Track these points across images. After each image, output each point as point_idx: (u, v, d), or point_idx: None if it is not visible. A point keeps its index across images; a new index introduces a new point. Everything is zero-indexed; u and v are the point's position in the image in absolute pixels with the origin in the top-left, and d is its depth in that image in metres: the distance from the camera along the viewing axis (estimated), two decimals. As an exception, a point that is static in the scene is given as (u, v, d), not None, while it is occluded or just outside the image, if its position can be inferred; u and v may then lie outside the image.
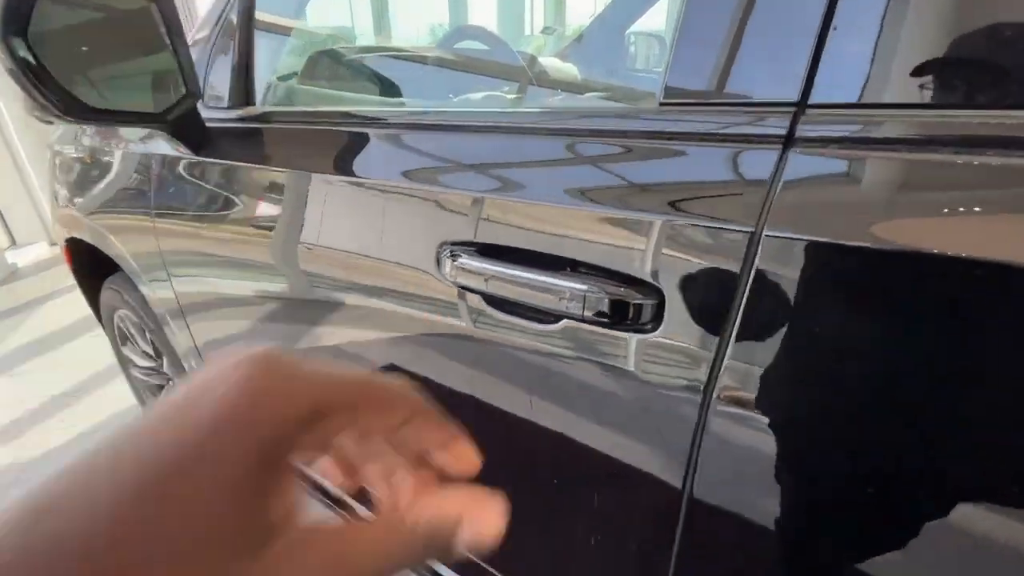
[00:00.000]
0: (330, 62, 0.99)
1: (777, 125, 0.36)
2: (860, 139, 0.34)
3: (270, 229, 0.77)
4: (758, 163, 0.37)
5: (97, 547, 0.13)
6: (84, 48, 0.68)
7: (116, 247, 1.17)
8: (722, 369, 0.38)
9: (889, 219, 0.32)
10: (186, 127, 0.77)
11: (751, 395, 0.38)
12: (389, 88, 0.97)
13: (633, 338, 0.43)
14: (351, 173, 0.64)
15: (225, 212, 0.83)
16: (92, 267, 1.40)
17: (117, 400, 1.89)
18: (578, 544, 0.56)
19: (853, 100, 0.34)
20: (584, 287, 0.43)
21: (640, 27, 1.38)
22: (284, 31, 0.96)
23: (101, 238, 1.22)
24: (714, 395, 0.39)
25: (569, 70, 1.15)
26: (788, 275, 0.35)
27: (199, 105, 0.79)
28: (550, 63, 1.14)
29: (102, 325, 1.63)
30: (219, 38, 0.84)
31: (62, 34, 0.65)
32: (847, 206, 0.34)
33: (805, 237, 0.34)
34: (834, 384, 0.35)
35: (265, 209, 0.78)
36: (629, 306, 0.41)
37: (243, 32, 0.81)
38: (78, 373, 2.11)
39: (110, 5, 0.72)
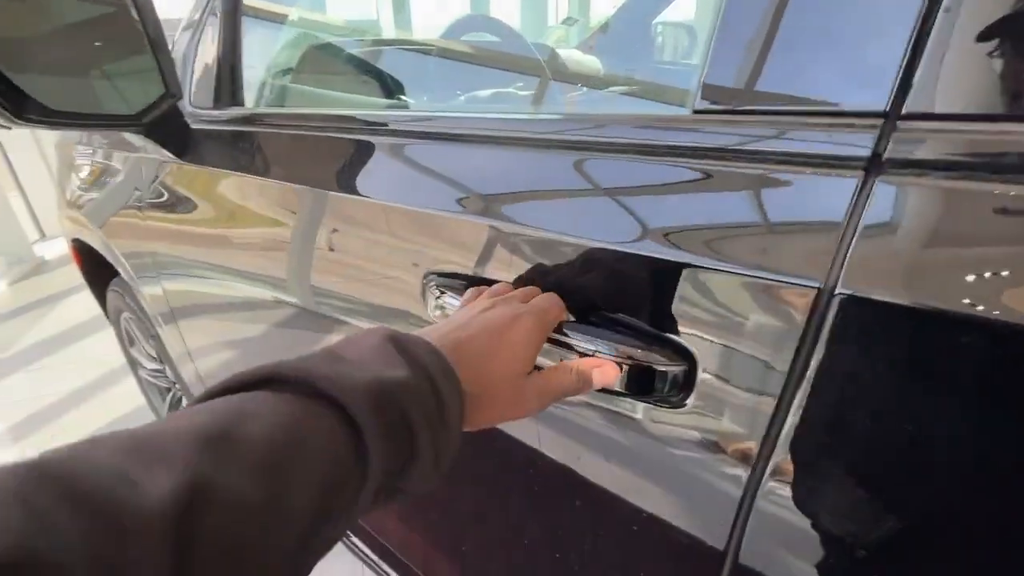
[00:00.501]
0: (326, 56, 0.91)
1: (858, 143, 0.27)
2: (971, 163, 0.24)
3: (255, 236, 0.70)
4: (830, 193, 0.27)
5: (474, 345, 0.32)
6: (49, 47, 0.62)
7: (114, 252, 1.13)
8: (766, 470, 0.29)
9: (1017, 284, 0.22)
10: (167, 129, 0.70)
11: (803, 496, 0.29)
12: (388, 86, 0.88)
13: (652, 410, 0.34)
14: (338, 187, 0.56)
15: (211, 217, 0.77)
16: (98, 269, 1.37)
17: (130, 398, 1.88)
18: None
19: (964, 111, 0.24)
20: (592, 347, 0.34)
21: (671, 16, 1.27)
22: (279, 19, 0.89)
23: (101, 242, 1.19)
24: (758, 494, 0.30)
25: (591, 64, 1.05)
26: (866, 347, 0.26)
27: (182, 105, 0.72)
28: (570, 57, 1.05)
29: (113, 326, 1.61)
30: (205, 29, 0.77)
31: (21, 31, 0.59)
32: (956, 260, 0.24)
33: (892, 300, 0.24)
34: (921, 489, 0.26)
35: (251, 215, 0.71)
36: (651, 372, 0.32)
37: (228, 21, 0.73)
38: (93, 370, 2.11)
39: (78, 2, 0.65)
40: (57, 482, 0.17)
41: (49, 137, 3.50)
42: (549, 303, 0.36)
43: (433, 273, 0.45)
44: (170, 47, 0.67)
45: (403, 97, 0.89)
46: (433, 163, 0.49)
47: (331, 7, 1.56)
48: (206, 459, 0.19)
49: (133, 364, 1.63)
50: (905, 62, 0.25)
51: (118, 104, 0.66)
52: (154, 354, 1.44)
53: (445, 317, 0.44)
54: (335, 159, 0.59)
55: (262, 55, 0.85)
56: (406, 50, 1.06)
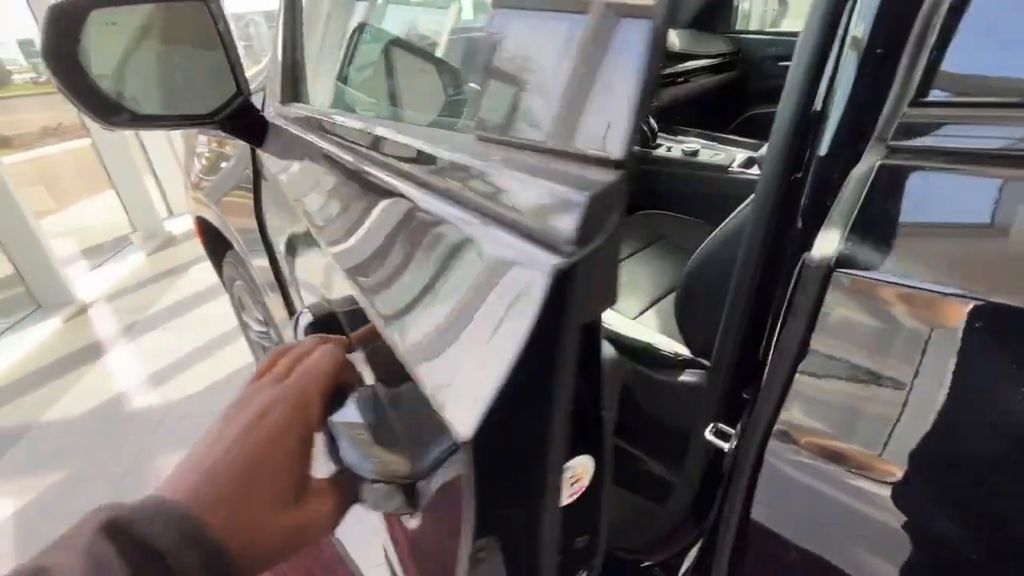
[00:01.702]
0: (391, 55, 0.98)
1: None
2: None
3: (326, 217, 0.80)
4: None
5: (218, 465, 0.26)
6: (134, 59, 0.72)
7: (228, 227, 1.32)
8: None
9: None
10: (242, 124, 0.80)
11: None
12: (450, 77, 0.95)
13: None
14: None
15: (295, 197, 0.88)
16: (216, 243, 1.60)
17: (244, 355, 2.18)
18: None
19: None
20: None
21: None
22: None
23: (217, 218, 1.38)
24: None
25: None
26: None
27: (261, 101, 0.82)
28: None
29: (228, 293, 1.87)
30: (279, 28, 0.86)
31: (113, 45, 0.69)
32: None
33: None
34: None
35: (316, 198, 0.80)
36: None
37: (288, 19, 0.82)
38: (215, 329, 2.44)
39: (160, 12, 0.74)
40: None
41: (175, 126, 3.98)
42: (315, 367, 0.31)
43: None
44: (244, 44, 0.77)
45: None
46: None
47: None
48: None
49: (244, 327, 1.88)
50: None
51: (195, 104, 0.76)
52: (261, 318, 1.65)
53: None
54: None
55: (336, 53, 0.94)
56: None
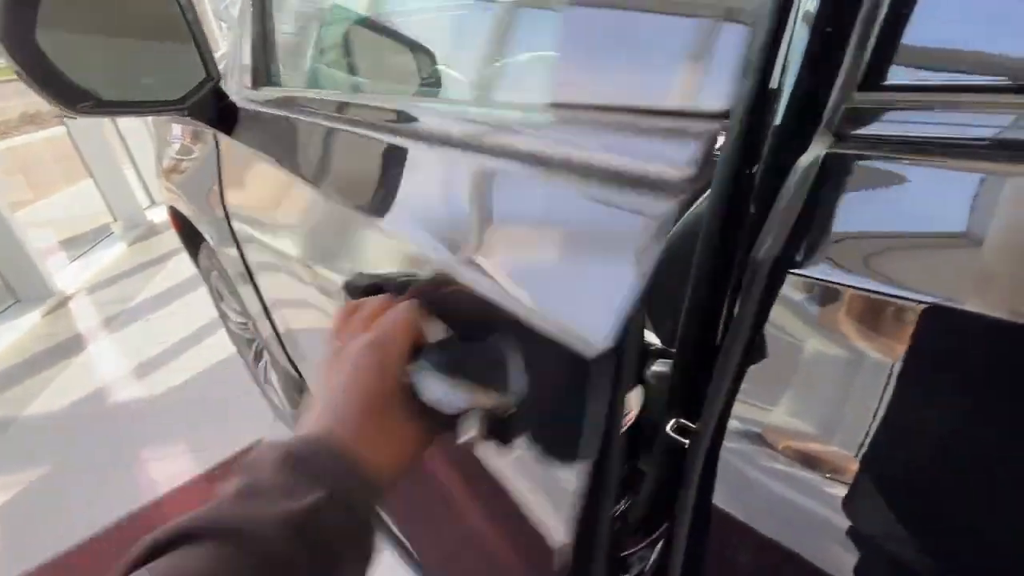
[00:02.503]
0: (363, 31, 0.95)
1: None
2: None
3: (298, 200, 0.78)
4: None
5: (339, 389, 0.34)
6: (99, 43, 0.69)
7: (199, 218, 1.28)
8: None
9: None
10: (210, 110, 0.78)
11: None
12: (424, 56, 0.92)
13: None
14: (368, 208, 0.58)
15: (263, 186, 0.86)
16: (192, 232, 1.56)
17: (226, 346, 2.16)
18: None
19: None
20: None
21: None
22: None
23: (188, 209, 1.35)
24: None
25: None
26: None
27: (227, 86, 0.80)
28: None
29: (205, 283, 1.84)
30: (244, 14, 0.84)
31: (74, 27, 0.66)
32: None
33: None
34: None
35: (288, 188, 0.78)
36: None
37: (258, 4, 0.79)
38: (198, 319, 2.42)
39: None
40: None
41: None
42: (393, 322, 0.36)
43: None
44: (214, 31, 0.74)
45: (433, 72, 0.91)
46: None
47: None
48: None
49: (223, 317, 1.85)
50: None
51: (163, 91, 0.73)
52: (239, 308, 1.63)
53: None
54: (350, 148, 0.64)
55: (304, 35, 0.91)
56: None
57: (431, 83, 0.83)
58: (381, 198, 0.55)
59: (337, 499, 0.28)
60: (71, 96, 0.65)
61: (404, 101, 0.69)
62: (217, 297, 1.76)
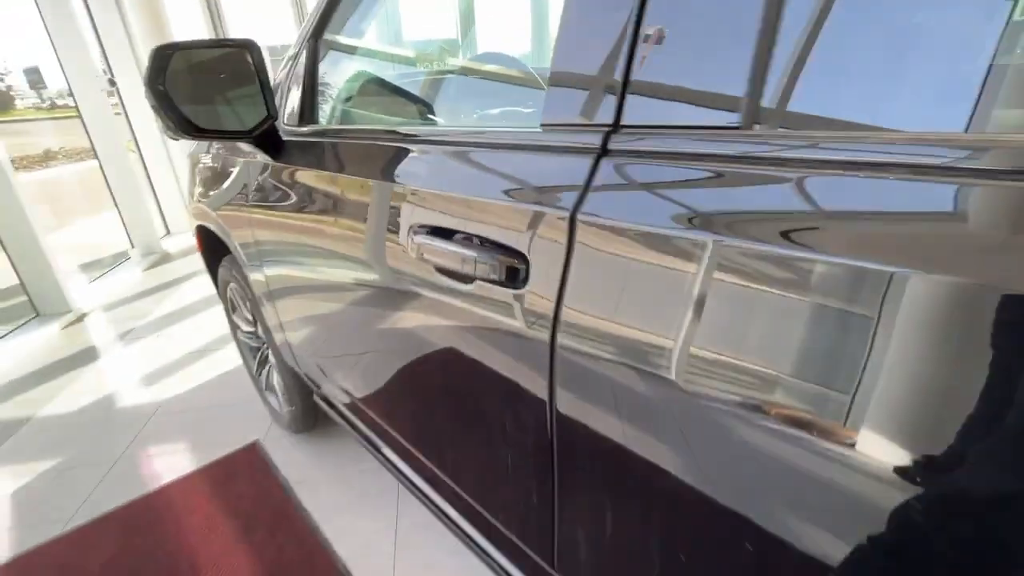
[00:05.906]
0: (374, 86, 1.23)
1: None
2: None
3: (331, 224, 1.02)
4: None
5: None
6: (200, 86, 0.97)
7: (226, 233, 1.51)
8: (560, 316, 0.54)
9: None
10: (267, 140, 1.04)
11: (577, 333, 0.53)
12: (421, 107, 1.20)
13: (512, 292, 0.59)
14: (379, 177, 0.85)
15: (297, 209, 1.10)
16: (214, 249, 1.79)
17: (231, 360, 2.34)
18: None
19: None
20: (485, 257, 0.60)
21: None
22: (351, 52, 1.23)
23: (219, 227, 1.58)
24: (557, 335, 0.55)
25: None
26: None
27: (279, 123, 1.06)
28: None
29: (220, 296, 2.04)
30: (296, 65, 1.11)
31: (185, 77, 0.95)
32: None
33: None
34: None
35: (324, 206, 1.02)
36: (510, 270, 0.58)
37: (309, 57, 1.07)
38: (206, 336, 2.61)
39: (218, 54, 1.01)
40: None
41: (177, 151, 4.21)
42: None
43: (413, 225, 0.73)
44: (271, 76, 1.01)
45: (430, 116, 1.20)
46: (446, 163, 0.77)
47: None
48: None
49: (233, 328, 2.05)
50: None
51: (239, 123, 1.01)
52: (250, 318, 1.83)
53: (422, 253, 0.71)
54: (377, 160, 0.88)
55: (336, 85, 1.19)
56: (434, 78, 1.38)
57: (424, 117, 1.10)
58: (388, 181, 0.81)
59: None
60: (181, 126, 0.93)
61: (404, 127, 0.96)
62: (230, 308, 1.96)
